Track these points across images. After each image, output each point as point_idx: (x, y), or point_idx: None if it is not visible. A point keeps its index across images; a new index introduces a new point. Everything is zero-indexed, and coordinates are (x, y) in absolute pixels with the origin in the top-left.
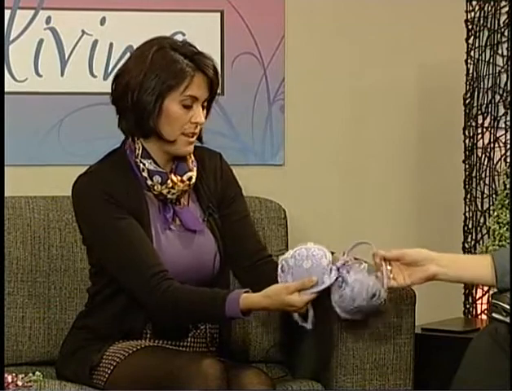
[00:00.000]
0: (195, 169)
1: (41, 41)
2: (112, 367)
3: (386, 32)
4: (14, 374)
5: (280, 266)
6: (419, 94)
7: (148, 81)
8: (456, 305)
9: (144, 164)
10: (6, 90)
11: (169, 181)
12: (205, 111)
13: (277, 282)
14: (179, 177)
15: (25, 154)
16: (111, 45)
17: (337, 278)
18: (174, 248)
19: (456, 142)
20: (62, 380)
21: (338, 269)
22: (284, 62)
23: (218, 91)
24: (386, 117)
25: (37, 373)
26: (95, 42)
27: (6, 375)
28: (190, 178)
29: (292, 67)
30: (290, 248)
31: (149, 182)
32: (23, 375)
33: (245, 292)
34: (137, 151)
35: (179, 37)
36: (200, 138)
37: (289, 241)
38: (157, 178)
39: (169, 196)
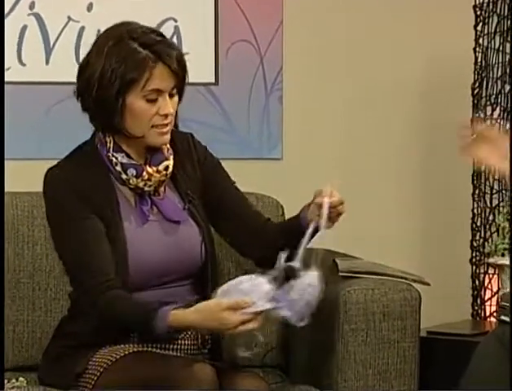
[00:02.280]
0: (171, 157)
1: (24, 28)
2: (98, 374)
3: (390, 20)
4: None
5: (218, 291)
6: (425, 84)
7: (106, 77)
8: (463, 306)
9: (117, 158)
10: None
11: (144, 173)
12: (175, 97)
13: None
14: (155, 168)
15: (9, 147)
16: (98, 32)
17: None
18: (155, 240)
19: None
20: (46, 387)
21: (277, 298)
22: (282, 50)
23: (212, 80)
24: (389, 109)
25: (21, 379)
26: (82, 29)
27: None
28: (166, 168)
29: (290, 55)
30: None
31: (124, 176)
32: (6, 381)
33: (182, 307)
34: (108, 144)
35: (171, 24)
36: (175, 125)
37: None
38: (132, 171)
39: (146, 189)
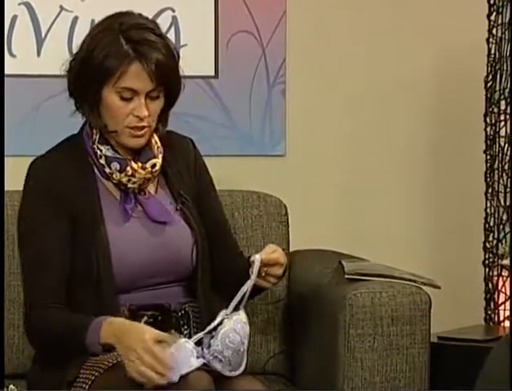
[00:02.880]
0: (160, 155)
1: (14, 18)
2: (89, 382)
3: (399, 11)
4: None
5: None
6: (435, 77)
7: (87, 64)
8: (476, 310)
9: (101, 151)
10: None
11: (128, 168)
12: (157, 101)
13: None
14: (140, 165)
15: None
16: (92, 22)
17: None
18: (138, 240)
19: (477, 131)
20: None
21: (203, 352)
22: (286, 41)
23: (212, 73)
24: (398, 104)
25: (11, 387)
26: (75, 19)
27: None
28: (154, 166)
29: (294, 46)
30: (293, 248)
31: (107, 170)
32: None
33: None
34: (94, 136)
35: (168, 14)
36: (156, 130)
37: (291, 240)
38: (115, 165)
39: (130, 185)
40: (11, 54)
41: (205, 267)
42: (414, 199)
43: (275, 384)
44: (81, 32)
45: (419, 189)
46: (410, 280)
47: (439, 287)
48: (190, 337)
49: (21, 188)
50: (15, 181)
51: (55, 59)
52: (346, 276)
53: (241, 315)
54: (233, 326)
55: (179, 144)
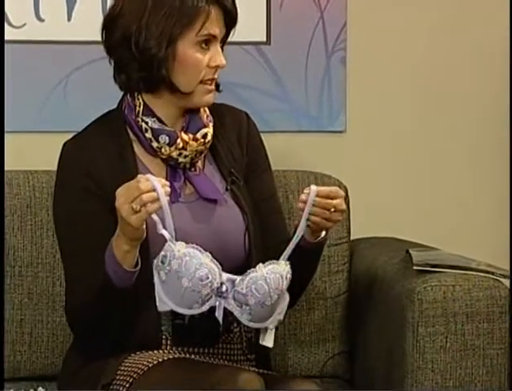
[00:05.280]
0: (210, 124)
1: None
2: (127, 385)
3: None
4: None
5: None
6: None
7: (155, 23)
8: None
9: (147, 123)
10: None
11: (178, 140)
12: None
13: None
14: (191, 136)
15: (24, 118)
16: None
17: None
18: (186, 223)
19: None
20: None
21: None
22: (346, 2)
23: (263, 39)
24: (474, 74)
25: (40, 389)
26: None
27: None
28: (205, 136)
29: (355, 9)
30: (355, 236)
31: (155, 145)
32: None
33: None
34: (137, 108)
35: None
36: (217, 86)
37: (352, 226)
38: (164, 138)
39: (180, 160)
40: (39, 19)
41: (258, 256)
42: (491, 182)
43: (334, 389)
44: None
45: (490, 172)
46: (487, 272)
47: None
48: (240, 336)
49: (48, 168)
50: (42, 159)
51: (88, 23)
52: (415, 267)
53: (280, 266)
54: (265, 274)
55: (232, 118)
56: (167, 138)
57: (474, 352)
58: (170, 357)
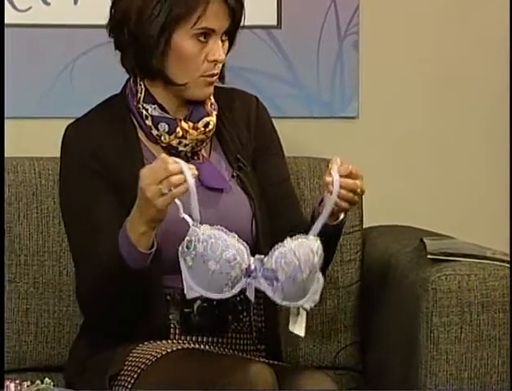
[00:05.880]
0: (214, 113)
1: None
2: (135, 376)
3: None
4: (17, 382)
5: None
6: None
7: (150, 8)
8: None
9: (147, 110)
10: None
11: (178, 129)
12: (226, 44)
13: None
14: (191, 124)
15: (29, 104)
16: None
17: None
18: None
19: None
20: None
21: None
22: None
23: (274, 23)
24: (486, 61)
25: (47, 380)
26: None
27: (7, 383)
28: (207, 125)
29: None
30: (368, 224)
31: (154, 132)
32: (28, 383)
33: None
34: (139, 94)
35: None
36: (221, 77)
37: (364, 215)
38: (163, 126)
39: (180, 148)
40: (45, 2)
41: (266, 243)
42: (500, 171)
43: (347, 381)
44: None
45: (506, 159)
46: (503, 261)
47: None
48: (250, 326)
49: (55, 155)
50: (48, 146)
51: (95, 6)
52: (429, 256)
53: (310, 241)
54: (294, 248)
55: (241, 101)
56: (166, 126)
57: (489, 342)
58: (179, 347)
